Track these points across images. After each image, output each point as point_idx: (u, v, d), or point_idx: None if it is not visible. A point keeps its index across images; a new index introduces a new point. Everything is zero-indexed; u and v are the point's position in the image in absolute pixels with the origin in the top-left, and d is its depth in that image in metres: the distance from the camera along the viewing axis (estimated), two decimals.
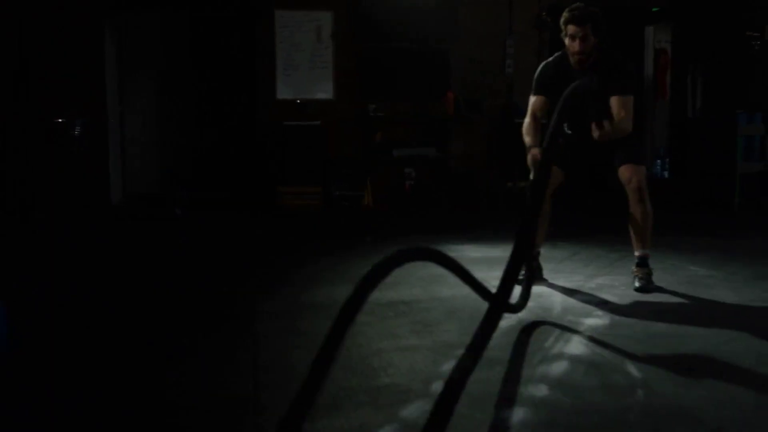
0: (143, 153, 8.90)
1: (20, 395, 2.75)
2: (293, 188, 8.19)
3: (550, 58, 4.40)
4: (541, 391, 2.66)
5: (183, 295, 4.37)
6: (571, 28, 4.12)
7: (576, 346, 3.18)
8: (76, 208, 7.61)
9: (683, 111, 8.91)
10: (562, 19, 4.19)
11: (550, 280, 4.46)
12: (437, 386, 2.71)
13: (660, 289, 4.17)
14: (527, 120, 4.35)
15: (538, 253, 4.54)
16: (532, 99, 4.37)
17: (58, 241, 6.42)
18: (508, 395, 2.62)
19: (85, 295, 4.37)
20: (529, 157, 4.28)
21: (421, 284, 4.46)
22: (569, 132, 4.42)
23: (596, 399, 2.58)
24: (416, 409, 2.50)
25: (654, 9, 9.18)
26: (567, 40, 4.17)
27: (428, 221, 7.50)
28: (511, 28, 8.59)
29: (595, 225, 6.55)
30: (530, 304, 3.91)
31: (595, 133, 4.12)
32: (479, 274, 4.63)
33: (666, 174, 9.34)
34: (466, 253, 5.40)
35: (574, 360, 2.99)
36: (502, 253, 5.35)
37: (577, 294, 4.15)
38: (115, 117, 8.48)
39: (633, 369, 2.88)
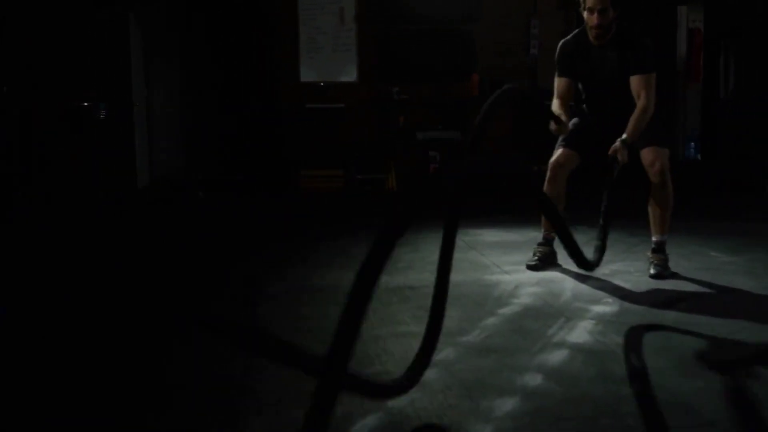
0: (169, 137, 8.95)
1: (15, 367, 2.76)
2: (316, 171, 8.17)
3: (569, 36, 4.29)
4: (535, 380, 2.59)
5: (189, 277, 4.38)
6: (589, 1, 4.00)
7: (579, 333, 3.09)
8: (101, 193, 7.68)
9: (716, 92, 8.68)
10: None
11: (564, 266, 4.36)
12: (429, 374, 2.65)
13: (676, 276, 4.05)
14: (555, 101, 4.23)
15: (553, 238, 4.45)
16: (557, 81, 4.27)
17: (75, 225, 6.49)
18: (500, 384, 2.55)
19: (90, 277, 4.39)
20: (552, 123, 4.09)
21: (431, 269, 4.35)
22: (588, 114, 4.32)
23: (591, 389, 2.50)
24: (403, 398, 2.44)
25: None
26: (585, 14, 4.06)
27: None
28: (536, 8, 8.43)
29: (617, 208, 6.41)
30: (539, 289, 3.85)
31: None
32: (493, 258, 4.64)
33: (699, 156, 9.12)
34: (483, 237, 5.33)
35: (575, 348, 2.91)
36: (518, 237, 5.29)
37: (590, 280, 4.05)
38: (141, 101, 8.53)
39: (634, 358, 2.79)
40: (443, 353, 2.88)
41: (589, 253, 3.85)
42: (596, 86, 4.22)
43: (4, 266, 4.70)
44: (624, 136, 3.95)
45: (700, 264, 4.33)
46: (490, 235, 5.45)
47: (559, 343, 2.97)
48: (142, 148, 8.52)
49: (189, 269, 4.64)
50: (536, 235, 4.49)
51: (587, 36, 4.12)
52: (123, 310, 3.69)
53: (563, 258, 4.42)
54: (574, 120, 4.39)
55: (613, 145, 3.96)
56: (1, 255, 5.16)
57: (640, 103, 3.99)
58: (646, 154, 4.05)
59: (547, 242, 4.41)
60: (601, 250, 4.02)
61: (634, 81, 4.01)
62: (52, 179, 7.77)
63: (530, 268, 4.30)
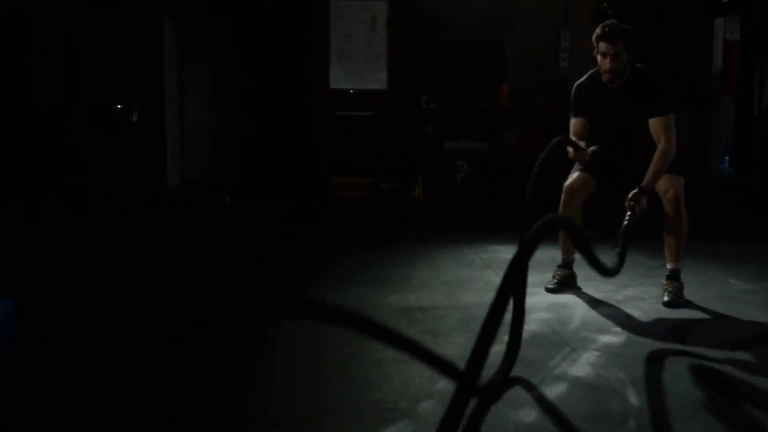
0: (201, 139, 9.07)
1: (24, 388, 2.84)
2: (343, 178, 8.22)
3: (583, 78, 4.29)
4: (529, 416, 2.59)
5: (205, 289, 4.43)
6: (602, 45, 4.00)
7: (581, 366, 3.08)
8: (132, 194, 7.81)
9: (750, 107, 8.55)
10: (594, 36, 4.07)
11: (582, 289, 4.35)
12: (425, 406, 2.67)
13: (689, 304, 4.02)
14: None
15: (573, 261, 4.43)
16: (572, 120, 4.27)
17: (105, 225, 6.61)
18: (492, 420, 2.56)
19: (105, 282, 4.48)
20: (571, 150, 4.11)
21: (445, 288, 4.42)
22: (605, 141, 4.29)
23: (584, 428, 2.50)
24: (396, 431, 2.47)
25: (724, 0, 8.79)
26: (599, 57, 4.05)
27: (474, 217, 7.41)
28: (567, 19, 8.37)
29: (641, 228, 6.35)
30: (548, 315, 3.84)
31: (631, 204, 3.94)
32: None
33: (731, 170, 9.00)
34: (501, 255, 5.32)
35: (575, 383, 2.90)
36: (537, 255, 5.24)
37: (602, 306, 4.03)
38: (174, 103, 8.65)
39: (633, 396, 2.77)
40: (442, 383, 2.88)
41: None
42: (611, 125, 4.20)
43: (28, 265, 4.81)
44: (643, 183, 3.92)
45: (716, 292, 4.27)
46: (509, 253, 5.42)
47: (560, 376, 2.97)
48: (173, 150, 8.65)
49: (204, 277, 4.70)
50: (556, 254, 4.48)
51: (601, 77, 4.10)
52: (135, 313, 3.77)
53: (581, 280, 4.42)
54: (593, 147, 4.37)
55: (631, 193, 3.91)
56: (29, 254, 5.28)
57: (661, 146, 3.95)
58: (661, 182, 4.01)
59: (566, 265, 4.41)
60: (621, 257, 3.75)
61: (653, 124, 3.99)
62: (84, 179, 7.92)
63: (549, 290, 4.31)
